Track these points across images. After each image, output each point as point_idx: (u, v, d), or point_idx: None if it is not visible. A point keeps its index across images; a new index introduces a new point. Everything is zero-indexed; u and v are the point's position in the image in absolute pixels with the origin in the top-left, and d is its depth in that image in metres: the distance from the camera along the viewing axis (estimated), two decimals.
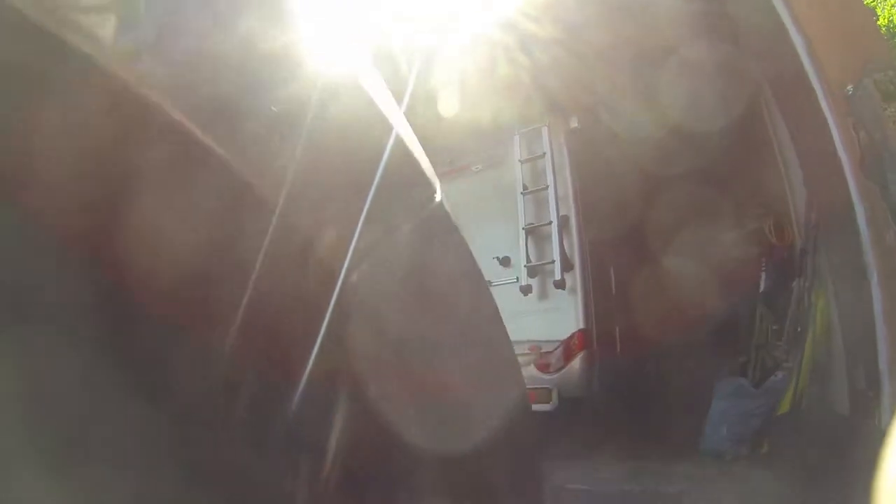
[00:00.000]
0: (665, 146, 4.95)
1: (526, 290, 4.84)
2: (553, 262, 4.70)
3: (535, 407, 4.60)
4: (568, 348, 4.60)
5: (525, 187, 5.06)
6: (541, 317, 4.86)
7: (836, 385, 3.27)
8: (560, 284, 4.64)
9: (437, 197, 1.06)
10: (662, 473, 3.63)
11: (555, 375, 4.60)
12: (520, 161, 5.13)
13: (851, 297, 3.05)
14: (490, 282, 5.16)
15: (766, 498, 2.95)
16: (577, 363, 4.54)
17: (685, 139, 5.09)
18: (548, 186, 4.85)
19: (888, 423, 2.46)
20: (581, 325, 4.62)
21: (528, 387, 4.64)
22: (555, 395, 4.54)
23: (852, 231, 2.96)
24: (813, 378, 3.51)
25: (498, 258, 5.13)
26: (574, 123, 5.17)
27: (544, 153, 4.96)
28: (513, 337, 5.20)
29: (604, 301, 4.87)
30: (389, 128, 0.90)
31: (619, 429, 4.15)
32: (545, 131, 5.00)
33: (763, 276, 4.61)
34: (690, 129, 4.56)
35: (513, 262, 5.07)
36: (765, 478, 3.23)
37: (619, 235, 5.08)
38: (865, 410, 2.73)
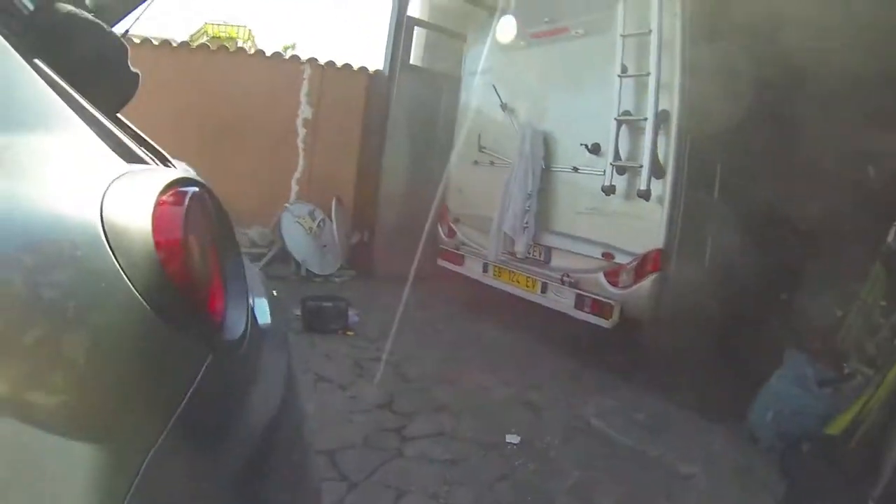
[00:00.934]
0: (828, 36, 3.69)
1: (609, 190, 4.27)
2: (642, 166, 4.06)
3: (594, 320, 4.37)
4: (642, 265, 4.16)
5: (624, 69, 4.21)
6: (621, 222, 4.37)
7: (891, 447, 2.56)
8: (644, 195, 4.04)
9: None
10: (691, 441, 3.35)
11: (622, 291, 4.24)
12: (622, 35, 4.19)
13: None
14: (576, 168, 4.66)
15: None
16: (647, 284, 4.11)
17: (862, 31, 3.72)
18: (649, 73, 3.98)
19: None
20: (661, 244, 4.09)
21: (592, 295, 4.38)
22: (617, 311, 4.23)
23: None
24: (880, 416, 2.78)
25: (587, 145, 4.53)
26: None
27: (650, 31, 3.98)
28: (588, 236, 4.77)
29: (698, 215, 4.21)
30: None
31: (674, 367, 3.84)
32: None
33: (893, 230, 3.62)
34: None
35: (602, 150, 4.44)
36: (779, 488, 2.84)
37: (734, 138, 4.16)
38: None
